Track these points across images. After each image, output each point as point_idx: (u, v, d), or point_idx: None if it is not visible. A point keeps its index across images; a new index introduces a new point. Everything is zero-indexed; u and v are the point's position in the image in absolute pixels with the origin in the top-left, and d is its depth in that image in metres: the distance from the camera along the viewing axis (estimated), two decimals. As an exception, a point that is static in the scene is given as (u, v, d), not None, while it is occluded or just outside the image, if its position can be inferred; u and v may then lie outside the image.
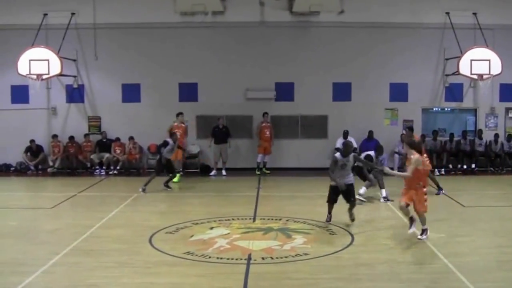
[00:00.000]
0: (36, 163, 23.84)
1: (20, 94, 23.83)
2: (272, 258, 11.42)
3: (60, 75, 22.21)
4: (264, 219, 14.93)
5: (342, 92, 23.75)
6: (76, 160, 23.84)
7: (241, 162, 22.94)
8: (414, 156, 12.50)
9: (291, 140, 23.82)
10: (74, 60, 23.61)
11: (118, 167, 23.36)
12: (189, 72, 23.66)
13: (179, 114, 21.98)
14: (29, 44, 21.86)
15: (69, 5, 23.35)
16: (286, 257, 11.48)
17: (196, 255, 11.67)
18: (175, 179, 20.54)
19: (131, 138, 23.54)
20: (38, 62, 21.24)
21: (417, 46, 23.62)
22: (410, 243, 12.44)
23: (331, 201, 14.41)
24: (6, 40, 23.55)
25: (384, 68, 23.66)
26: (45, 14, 23.21)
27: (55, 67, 21.47)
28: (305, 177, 22.11)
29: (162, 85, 23.83)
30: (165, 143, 19.45)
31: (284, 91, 23.68)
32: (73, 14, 23.35)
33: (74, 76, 23.87)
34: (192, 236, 13.24)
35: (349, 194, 14.07)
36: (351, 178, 14.19)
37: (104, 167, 23.47)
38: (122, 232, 13.86)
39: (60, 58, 21.71)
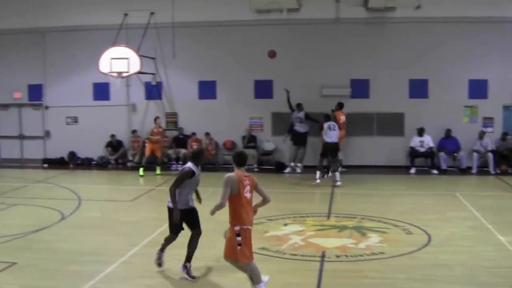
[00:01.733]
0: (116, 157, 24.52)
1: (101, 91, 24.58)
2: (346, 256, 11.44)
3: (140, 73, 22.76)
4: (338, 216, 14.94)
5: (418, 89, 23.40)
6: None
7: (315, 159, 22.94)
8: None
9: (366, 137, 23.64)
10: (153, 58, 24.10)
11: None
12: (264, 69, 23.81)
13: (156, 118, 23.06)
14: (110, 43, 22.54)
15: (148, 5, 23.89)
16: (361, 255, 11.48)
17: (271, 251, 11.82)
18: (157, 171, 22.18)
19: (207, 134, 23.90)
20: (119, 60, 21.86)
21: (497, 41, 22.95)
22: (489, 246, 12.17)
23: None
24: (89, 39, 24.33)
25: (462, 64, 23.13)
26: (126, 14, 23.84)
27: (135, 65, 22.03)
28: (381, 175, 21.97)
29: (237, 82, 24.07)
30: None
31: (360, 88, 23.51)
32: (152, 13, 23.87)
33: (153, 74, 24.36)
34: (266, 232, 13.38)
35: None
36: None
37: (180, 162, 23.88)
38: (197, 226, 14.12)
39: (140, 56, 22.25)
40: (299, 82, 23.52)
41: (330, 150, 19.95)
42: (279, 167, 23.35)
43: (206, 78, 24.29)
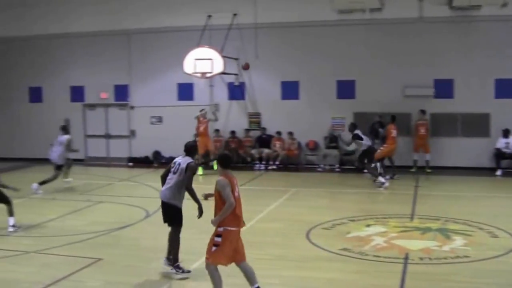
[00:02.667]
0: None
1: (185, 91, 25.02)
2: (430, 258, 11.31)
3: (223, 73, 23.04)
4: (422, 218, 14.76)
5: (505, 88, 22.76)
6: (236, 155, 24.63)
7: (397, 160, 22.69)
8: None
9: (451, 138, 23.19)
10: (236, 59, 24.37)
11: (277, 162, 23.86)
12: (347, 69, 23.72)
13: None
14: (194, 45, 22.92)
15: (231, 6, 24.19)
16: (445, 258, 11.32)
17: (353, 251, 11.80)
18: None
19: (290, 133, 24.00)
20: (203, 61, 22.16)
21: None
22: None
23: None
24: (173, 41, 24.82)
25: (554, 63, 22.44)
26: (209, 16, 24.20)
27: (218, 65, 22.30)
28: (465, 177, 21.54)
29: (320, 83, 24.04)
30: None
31: (443, 88, 23.07)
32: (235, 14, 24.15)
33: (236, 74, 24.64)
34: (348, 232, 13.36)
35: None
36: None
37: (263, 162, 24.07)
38: (280, 226, 14.26)
39: (223, 57, 22.51)
40: (381, 82, 23.33)
41: (370, 155, 19.88)
42: (361, 168, 23.22)
43: (288, 78, 24.38)
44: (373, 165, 20.08)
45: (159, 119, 25.84)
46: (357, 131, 19.82)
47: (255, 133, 24.83)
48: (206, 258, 9.02)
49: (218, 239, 8.89)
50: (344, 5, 22.69)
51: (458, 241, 12.53)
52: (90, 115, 27.02)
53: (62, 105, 27.15)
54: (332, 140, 23.75)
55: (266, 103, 24.73)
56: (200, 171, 22.04)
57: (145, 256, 11.75)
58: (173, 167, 10.73)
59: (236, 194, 8.95)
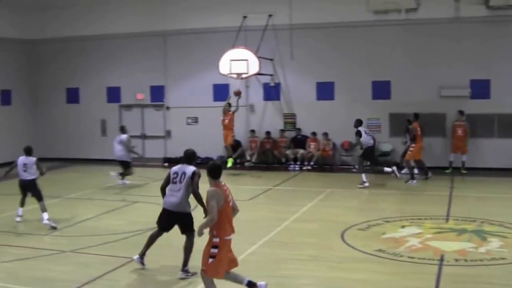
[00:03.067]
0: (235, 157, 24.94)
1: (221, 92, 25.08)
2: (465, 260, 11.25)
3: (258, 74, 23.14)
4: (457, 219, 14.66)
5: (544, 89, 22.52)
6: (271, 155, 24.70)
7: (433, 160, 22.50)
8: None
9: (487, 139, 22.88)
10: (271, 60, 24.42)
11: (311, 163, 23.85)
12: (382, 70, 23.60)
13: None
14: (229, 45, 23.07)
15: (266, 7, 24.24)
16: (480, 260, 11.26)
17: (388, 253, 11.78)
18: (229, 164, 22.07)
19: (325, 134, 23.96)
20: (238, 62, 22.31)
21: None
22: None
23: None
24: (209, 42, 24.97)
25: None
26: (245, 17, 24.30)
27: (254, 66, 22.40)
28: (502, 178, 21.28)
29: (355, 83, 23.96)
30: None
31: (480, 88, 22.80)
32: (270, 15, 24.21)
33: (271, 75, 24.69)
34: (383, 233, 13.34)
35: None
36: None
37: (298, 163, 24.09)
38: (315, 226, 14.30)
39: (258, 58, 22.61)
40: (416, 83, 23.16)
41: (371, 154, 20.09)
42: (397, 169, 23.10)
43: (324, 79, 24.34)
44: (365, 164, 20.04)
45: (195, 120, 26.00)
46: (361, 128, 19.93)
47: (290, 134, 24.85)
48: (203, 270, 8.85)
49: (215, 250, 8.74)
50: (380, 6, 22.61)
51: (494, 243, 12.43)
52: (126, 115, 27.31)
53: (99, 106, 27.51)
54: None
55: (301, 104, 24.72)
56: (229, 163, 22.39)
57: (179, 256, 11.79)
58: (175, 177, 10.79)
59: (230, 203, 8.90)
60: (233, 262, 9.14)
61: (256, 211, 16.38)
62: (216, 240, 8.74)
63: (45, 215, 14.47)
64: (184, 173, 10.73)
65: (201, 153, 25.29)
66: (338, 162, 24.16)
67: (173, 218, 10.80)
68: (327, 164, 23.91)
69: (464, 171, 21.94)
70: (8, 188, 17.44)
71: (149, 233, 13.70)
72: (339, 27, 23.82)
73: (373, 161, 20.37)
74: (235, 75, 22.46)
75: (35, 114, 28.41)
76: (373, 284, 10.14)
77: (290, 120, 24.98)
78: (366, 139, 19.83)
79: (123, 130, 21.33)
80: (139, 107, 27.06)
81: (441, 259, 11.25)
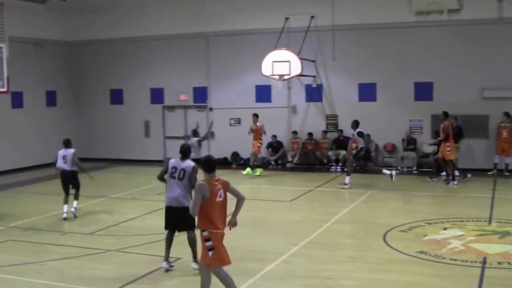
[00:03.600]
0: (276, 158, 25.09)
1: (263, 93, 25.22)
2: (509, 263, 11.16)
3: (300, 75, 23.17)
4: (500, 222, 14.53)
5: None
6: (313, 156, 24.72)
7: (475, 163, 22.26)
8: None
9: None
10: (313, 61, 24.43)
11: (353, 164, 23.73)
12: (424, 71, 23.39)
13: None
14: (272, 47, 23.15)
15: (309, 8, 24.25)
16: (524, 263, 11.15)
17: (429, 255, 11.75)
18: (257, 172, 22.83)
19: (367, 135, 23.80)
20: (280, 63, 22.36)
21: None
22: None
23: None
24: (251, 43, 25.09)
25: None
26: (287, 18, 24.34)
27: (296, 68, 22.45)
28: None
29: (397, 85, 23.80)
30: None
31: (524, 89, 22.54)
32: (312, 17, 24.23)
33: (313, 76, 24.69)
34: (425, 235, 13.30)
35: None
36: None
37: (340, 164, 24.06)
38: (356, 227, 14.32)
39: (300, 59, 22.64)
40: (458, 84, 22.88)
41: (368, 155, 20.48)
42: (439, 170, 22.90)
43: (366, 80, 24.24)
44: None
45: (238, 121, 26.13)
46: (360, 129, 20.28)
47: (332, 135, 24.83)
48: (208, 265, 8.84)
49: (210, 243, 8.72)
50: (422, 7, 22.50)
51: (538, 246, 12.28)
52: (170, 116, 27.60)
53: (142, 106, 27.84)
54: (410, 142, 23.51)
55: (343, 105, 24.67)
56: (257, 171, 22.97)
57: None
58: (174, 172, 10.97)
59: (218, 198, 8.80)
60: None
61: (298, 212, 16.49)
62: (206, 233, 8.73)
63: (75, 203, 15.29)
64: (183, 170, 10.93)
65: (244, 154, 25.55)
66: (381, 163, 24.03)
67: (176, 213, 10.99)
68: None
69: (507, 173, 21.68)
70: (52, 188, 17.81)
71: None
72: (381, 28, 23.70)
73: (369, 161, 20.67)
74: (277, 77, 22.56)
75: (79, 115, 28.89)
76: (415, 286, 10.15)
77: (332, 121, 24.97)
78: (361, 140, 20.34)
79: (195, 134, 21.54)
80: (182, 108, 27.32)
81: (484, 262, 11.18)
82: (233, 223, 9.22)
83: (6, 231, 14.75)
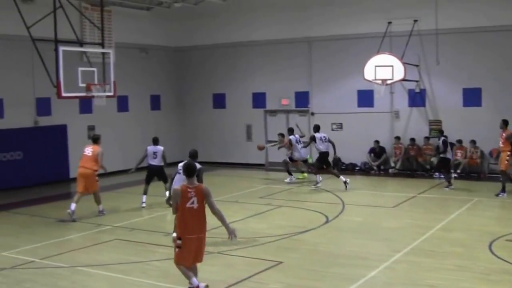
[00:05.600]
0: (379, 163, 24.84)
1: (365, 98, 25.04)
2: None
3: (403, 80, 22.88)
4: None
5: None
6: (416, 162, 24.33)
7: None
8: None
9: None
10: (417, 66, 24.07)
11: (458, 171, 23.25)
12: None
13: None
14: (374, 51, 22.97)
15: (412, 12, 23.93)
16: None
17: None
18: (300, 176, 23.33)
19: (472, 142, 23.29)
20: (383, 68, 22.20)
21: None
22: None
23: None
24: (353, 47, 24.98)
25: None
26: (389, 22, 24.11)
27: (399, 72, 22.20)
28: None
29: (504, 89, 23.03)
30: None
31: None
32: (415, 21, 23.87)
33: (416, 81, 24.33)
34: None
35: None
36: None
37: (442, 170, 23.52)
38: (461, 235, 14.02)
39: (403, 63, 22.38)
40: None
41: (325, 159, 21.57)
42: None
43: (471, 85, 23.64)
44: None
45: (340, 126, 26.01)
46: (317, 134, 21.85)
47: (435, 141, 24.33)
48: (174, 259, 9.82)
49: (179, 242, 9.61)
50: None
51: None
52: (271, 120, 27.81)
53: (244, 111, 28.19)
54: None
55: (447, 110, 24.14)
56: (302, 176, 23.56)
57: (325, 261, 12.01)
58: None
59: (189, 204, 9.43)
60: (198, 259, 9.88)
61: (400, 218, 16.27)
62: (176, 234, 9.77)
63: (167, 193, 15.78)
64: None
65: (346, 159, 25.48)
66: (486, 170, 23.38)
67: None
68: (474, 172, 23.25)
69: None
70: (159, 190, 18.28)
71: (294, 237, 14.04)
72: (487, 31, 23.03)
73: (327, 166, 21.70)
74: (380, 81, 22.38)
75: (183, 119, 29.55)
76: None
77: (435, 126, 24.49)
78: (320, 145, 21.54)
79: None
80: (284, 112, 27.47)
81: None
82: (231, 233, 10.11)
83: (112, 230, 15.33)
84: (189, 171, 9.59)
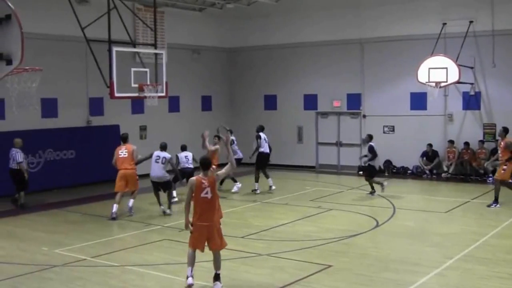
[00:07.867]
0: (431, 167, 24.44)
1: (418, 100, 24.65)
2: None
3: (458, 82, 22.48)
4: None
5: None
6: (469, 167, 23.86)
7: None
8: None
9: None
10: (472, 68, 23.62)
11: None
12: None
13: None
14: (428, 53, 22.63)
15: (467, 13, 23.49)
16: None
17: None
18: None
19: (526, 146, 22.75)
20: (437, 70, 21.84)
21: None
22: None
23: None
24: (406, 49, 24.65)
25: None
26: (444, 24, 23.69)
27: (453, 74, 21.82)
28: None
29: None
30: None
31: None
32: (471, 22, 23.42)
33: (471, 84, 23.87)
34: None
35: None
36: None
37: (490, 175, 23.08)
38: (515, 243, 13.69)
39: (458, 65, 21.98)
40: None
41: (266, 161, 21.64)
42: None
43: (527, 87, 23.19)
44: None
45: (392, 129, 25.68)
46: (262, 134, 21.78)
47: (490, 145, 23.84)
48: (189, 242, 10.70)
49: (192, 227, 10.54)
50: None
51: None
52: (323, 123, 27.65)
53: (295, 112, 28.09)
54: None
55: (502, 114, 23.54)
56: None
57: (375, 266, 11.85)
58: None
59: (204, 195, 10.33)
60: (212, 244, 10.58)
61: (453, 224, 15.99)
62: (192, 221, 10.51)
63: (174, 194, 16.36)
64: None
65: (397, 162, 25.19)
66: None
67: None
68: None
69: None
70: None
71: (343, 241, 13.92)
72: (545, 32, 22.57)
73: (263, 168, 21.45)
74: (433, 84, 22.02)
75: (234, 120, 29.48)
76: None
77: (490, 130, 23.99)
78: (264, 146, 21.43)
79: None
80: (335, 114, 27.28)
81: None
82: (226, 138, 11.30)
83: (162, 231, 15.42)
84: (205, 164, 10.54)
